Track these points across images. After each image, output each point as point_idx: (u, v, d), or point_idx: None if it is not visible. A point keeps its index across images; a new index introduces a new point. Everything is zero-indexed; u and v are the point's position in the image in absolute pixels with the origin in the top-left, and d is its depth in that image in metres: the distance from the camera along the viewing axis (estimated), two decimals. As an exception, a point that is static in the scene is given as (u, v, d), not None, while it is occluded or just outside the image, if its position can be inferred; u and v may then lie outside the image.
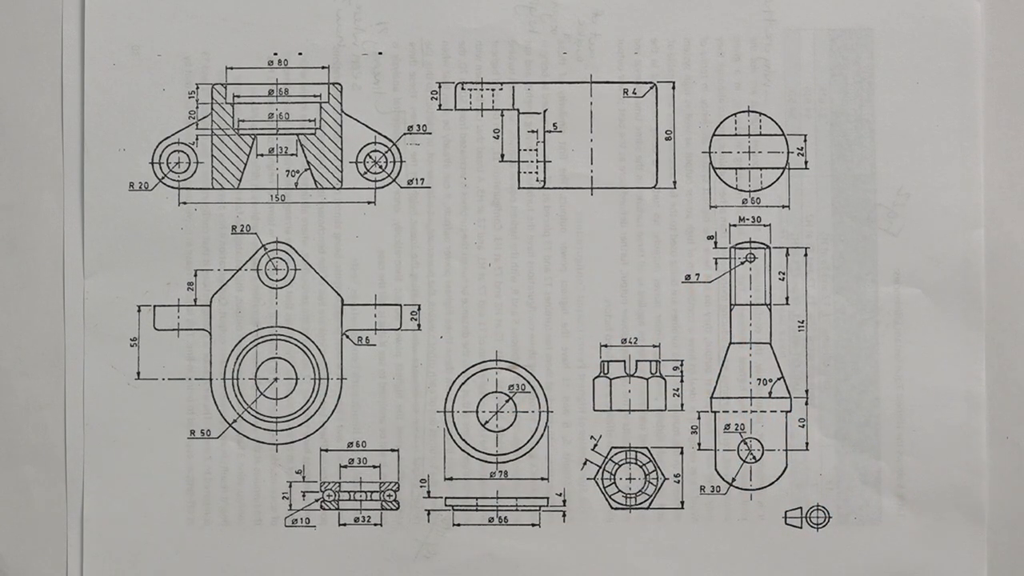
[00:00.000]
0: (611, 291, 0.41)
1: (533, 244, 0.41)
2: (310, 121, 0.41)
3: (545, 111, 0.41)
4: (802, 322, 0.41)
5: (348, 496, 0.41)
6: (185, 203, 0.41)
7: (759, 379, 0.41)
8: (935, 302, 0.41)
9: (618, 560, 0.41)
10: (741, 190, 0.41)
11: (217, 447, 0.41)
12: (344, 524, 0.41)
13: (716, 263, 0.41)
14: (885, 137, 0.41)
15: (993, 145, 0.41)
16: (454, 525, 0.41)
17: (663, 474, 0.41)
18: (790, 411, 0.41)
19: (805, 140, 0.41)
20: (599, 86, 0.41)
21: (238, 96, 0.41)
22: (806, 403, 0.41)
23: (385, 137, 0.41)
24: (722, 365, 0.41)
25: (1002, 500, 0.41)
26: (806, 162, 0.41)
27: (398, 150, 0.41)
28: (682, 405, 0.41)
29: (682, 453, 0.41)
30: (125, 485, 0.41)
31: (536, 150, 0.41)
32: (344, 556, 0.41)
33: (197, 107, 0.41)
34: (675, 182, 0.41)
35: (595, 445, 0.41)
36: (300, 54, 0.41)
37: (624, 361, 0.41)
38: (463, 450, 0.41)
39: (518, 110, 0.41)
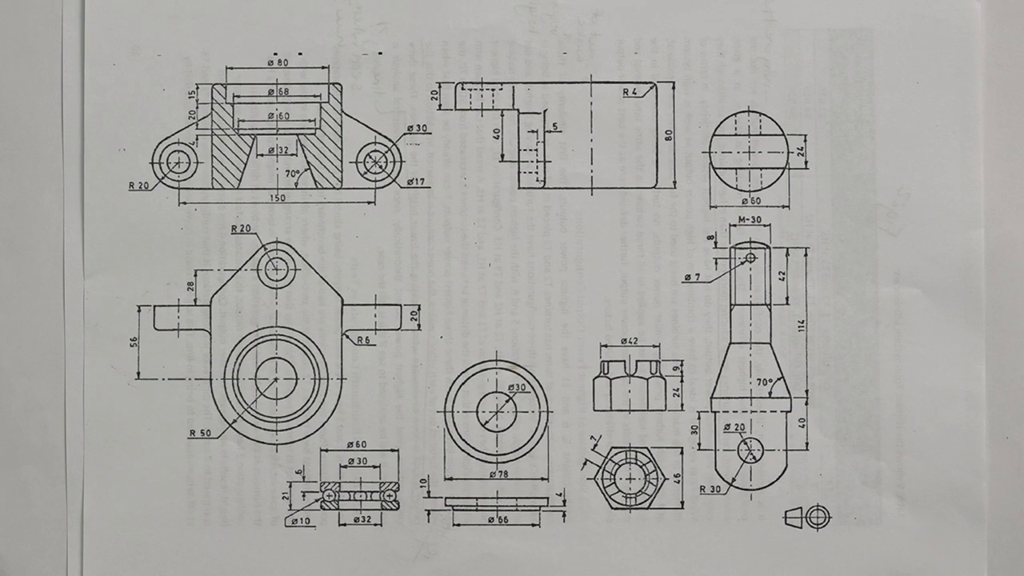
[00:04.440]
0: (611, 291, 0.41)
1: (533, 244, 0.41)
2: (310, 121, 0.41)
3: (545, 111, 0.41)
4: (802, 322, 0.41)
5: (348, 496, 0.41)
6: (185, 203, 0.41)
7: (759, 379, 0.41)
8: (935, 302, 0.41)
9: (618, 560, 0.41)
10: (741, 190, 0.41)
11: (217, 447, 0.41)
12: (344, 524, 0.41)
13: (716, 263, 0.41)
14: (885, 137, 0.41)
15: (993, 145, 0.41)
16: (454, 525, 0.41)
17: (663, 474, 0.41)
18: (790, 411, 0.41)
19: (805, 140, 0.41)
20: (599, 86, 0.41)
21: (238, 96, 0.41)
22: (806, 403, 0.41)
23: (385, 137, 0.41)
24: (722, 365, 0.41)
25: (1002, 500, 0.41)
26: (806, 162, 0.41)
27: (398, 150, 0.41)
28: (682, 405, 0.41)
29: (682, 453, 0.41)
30: (125, 485, 0.41)
31: (536, 150, 0.41)
32: (344, 556, 0.41)
33: (197, 107, 0.41)
34: (675, 182, 0.41)
35: (595, 445, 0.41)
36: (300, 54, 0.41)
37: (624, 361, 0.41)
38: (463, 450, 0.41)
39: (518, 110, 0.41)
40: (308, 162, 0.41)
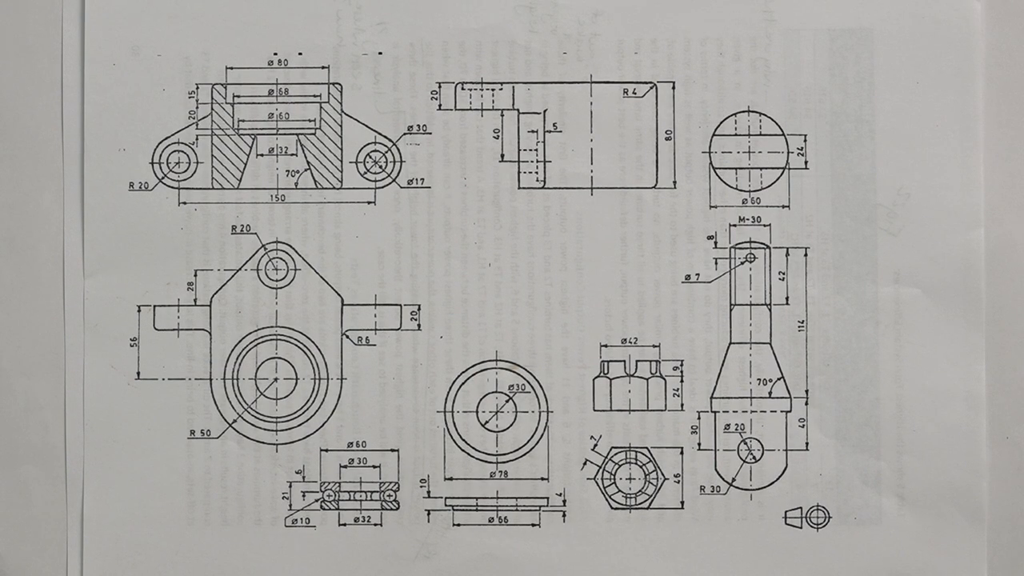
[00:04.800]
0: (611, 291, 0.41)
1: (533, 244, 0.41)
2: (310, 121, 0.41)
3: (545, 111, 0.41)
4: (802, 322, 0.41)
5: (348, 496, 0.41)
6: (185, 203, 0.41)
7: (759, 379, 0.41)
8: (935, 302, 0.41)
9: (618, 560, 0.41)
10: (741, 190, 0.41)
11: (217, 447, 0.41)
12: (344, 524, 0.41)
13: (716, 263, 0.41)
14: (885, 137, 0.41)
15: (993, 145, 0.41)
16: (454, 525, 0.41)
17: (663, 474, 0.41)
18: (790, 411, 0.41)
19: (805, 140, 0.41)
20: (599, 86, 0.41)
21: (238, 96, 0.41)
22: (806, 403, 0.41)
23: (385, 137, 0.41)
24: (722, 365, 0.41)
25: (1002, 500, 0.41)
26: (806, 162, 0.41)
27: (398, 150, 0.41)
28: (682, 405, 0.41)
29: (682, 453, 0.41)
30: (125, 485, 0.41)
31: (536, 150, 0.41)
32: (344, 556, 0.41)
33: (197, 107, 0.41)
34: (675, 182, 0.41)
35: (595, 445, 0.41)
36: (300, 54, 0.41)
37: (624, 361, 0.41)
38: (463, 450, 0.41)
39: (518, 110, 0.41)
40: (308, 162, 0.41)
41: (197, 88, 0.41)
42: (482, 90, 0.41)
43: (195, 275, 0.41)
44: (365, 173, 0.41)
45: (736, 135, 0.41)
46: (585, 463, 0.41)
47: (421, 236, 0.41)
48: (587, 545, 0.41)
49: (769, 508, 0.41)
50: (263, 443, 0.41)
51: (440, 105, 0.41)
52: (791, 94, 0.41)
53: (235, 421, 0.41)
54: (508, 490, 0.41)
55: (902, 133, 0.41)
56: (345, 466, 0.41)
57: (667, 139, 0.41)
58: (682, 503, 0.41)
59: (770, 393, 0.41)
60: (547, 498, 0.41)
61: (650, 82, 0.41)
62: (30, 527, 0.41)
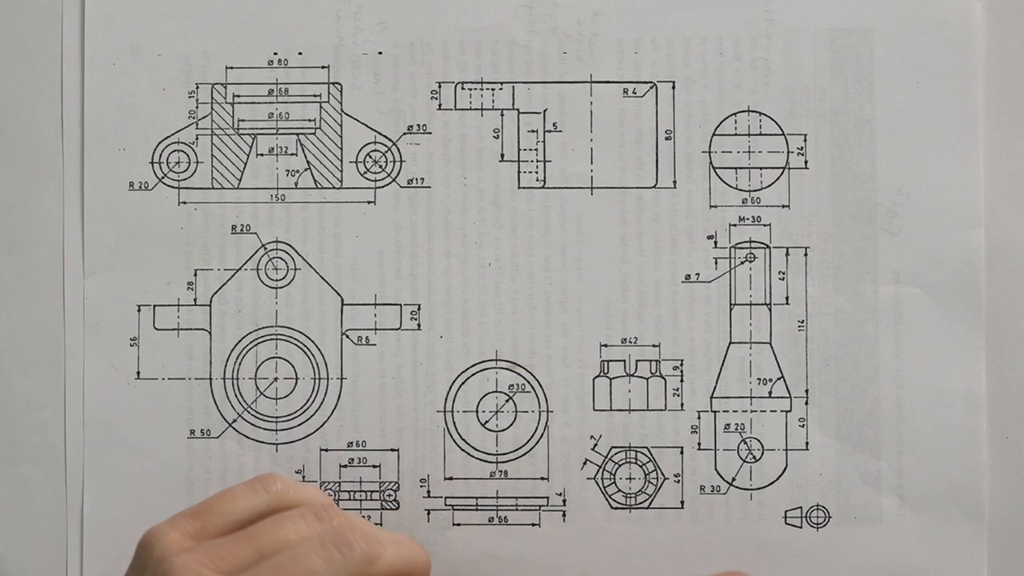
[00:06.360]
0: (611, 291, 0.41)
1: (533, 244, 0.41)
2: (310, 121, 0.41)
3: (545, 111, 0.41)
4: (802, 322, 0.41)
5: (348, 496, 0.41)
6: (185, 203, 0.41)
7: (759, 379, 0.41)
8: (935, 302, 0.41)
9: (618, 560, 0.41)
10: (741, 190, 0.41)
11: (217, 447, 0.41)
12: (344, 524, 0.41)
13: (716, 263, 0.41)
14: (885, 137, 0.41)
15: (993, 145, 0.41)
16: (454, 525, 0.41)
17: (663, 474, 0.41)
18: (790, 411, 0.41)
19: (805, 140, 0.41)
20: (599, 86, 0.41)
21: (238, 96, 0.41)
22: (806, 403, 0.41)
23: (385, 137, 0.41)
24: (722, 365, 0.41)
25: (1002, 500, 0.41)
26: (806, 162, 0.41)
27: (398, 150, 0.41)
28: (682, 405, 0.41)
29: (682, 453, 0.41)
30: (125, 485, 0.41)
31: (536, 150, 0.41)
32: (344, 556, 0.41)
33: (197, 107, 0.41)
34: (675, 182, 0.41)
35: (595, 445, 0.41)
36: (300, 54, 0.41)
37: (624, 361, 0.41)
38: (463, 450, 0.41)
39: (518, 110, 0.41)
40: (308, 162, 0.41)
41: (197, 88, 0.41)
42: (482, 90, 0.41)
43: (195, 275, 0.41)
44: (365, 173, 0.41)
45: (736, 135, 0.41)
46: (585, 463, 0.41)
47: (421, 236, 0.41)
48: (587, 545, 0.41)
49: (769, 508, 0.41)
50: (263, 443, 0.41)
51: (440, 105, 0.41)
52: (791, 94, 0.41)
53: (235, 421, 0.41)
54: (508, 490, 0.41)
55: (902, 133, 0.41)
56: (345, 466, 0.41)
57: (667, 139, 0.41)
58: (682, 503, 0.41)
59: (770, 393, 0.41)
60: (547, 498, 0.41)
61: (650, 82, 0.41)
62: (30, 527, 0.41)
